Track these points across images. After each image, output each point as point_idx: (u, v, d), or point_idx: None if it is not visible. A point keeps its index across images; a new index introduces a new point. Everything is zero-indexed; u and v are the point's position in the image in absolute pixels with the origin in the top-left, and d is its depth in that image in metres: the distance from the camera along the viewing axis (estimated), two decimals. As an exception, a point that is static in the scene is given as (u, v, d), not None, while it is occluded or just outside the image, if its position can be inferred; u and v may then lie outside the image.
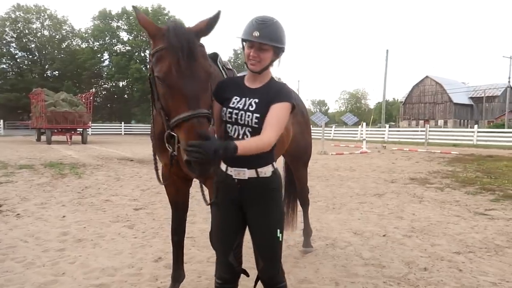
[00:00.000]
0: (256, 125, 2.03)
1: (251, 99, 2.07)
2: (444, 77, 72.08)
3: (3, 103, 44.45)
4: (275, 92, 2.08)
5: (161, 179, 2.47)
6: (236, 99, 2.10)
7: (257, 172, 2.06)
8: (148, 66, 2.16)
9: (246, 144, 1.90)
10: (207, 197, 2.35)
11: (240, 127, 2.06)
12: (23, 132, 34.30)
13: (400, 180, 9.21)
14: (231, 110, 2.08)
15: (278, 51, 2.10)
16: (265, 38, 2.00)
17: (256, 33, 2.00)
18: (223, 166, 2.13)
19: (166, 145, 2.08)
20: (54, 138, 22.70)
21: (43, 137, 23.04)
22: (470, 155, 16.10)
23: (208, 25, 2.03)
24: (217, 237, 2.22)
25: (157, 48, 1.96)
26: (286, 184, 4.31)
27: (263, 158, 2.07)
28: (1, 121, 34.44)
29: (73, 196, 6.91)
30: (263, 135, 1.96)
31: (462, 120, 67.83)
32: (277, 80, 2.25)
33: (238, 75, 2.43)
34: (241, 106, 2.07)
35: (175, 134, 1.94)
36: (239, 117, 2.05)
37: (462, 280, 3.41)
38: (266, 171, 2.08)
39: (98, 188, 7.75)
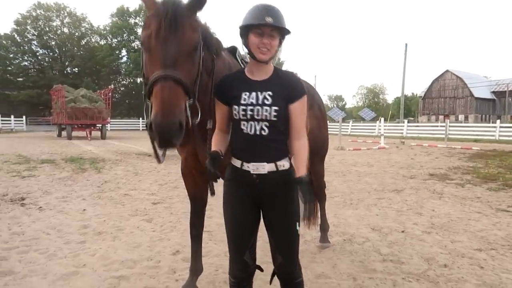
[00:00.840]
0: (275, 118, 1.99)
1: (264, 92, 2.01)
2: (465, 71, 70.33)
3: (26, 100, 45.71)
4: (289, 85, 2.05)
5: (160, 158, 2.19)
6: (245, 94, 2.02)
7: (276, 166, 2.03)
8: None
9: (303, 163, 2.03)
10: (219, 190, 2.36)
11: (256, 122, 2.00)
12: (44, 128, 35.14)
13: (419, 176, 9.05)
14: (244, 107, 2.00)
15: (282, 38, 2.06)
16: (280, 23, 1.96)
17: (269, 19, 1.93)
18: (237, 162, 2.08)
19: (145, 116, 1.99)
20: (74, 133, 23.21)
21: (64, 133, 23.57)
22: (492, 150, 15.70)
23: None
24: (233, 236, 2.16)
25: (146, 16, 1.98)
26: None
27: (280, 150, 2.06)
28: (24, 117, 35.36)
29: (93, 190, 7.05)
30: (303, 142, 2.07)
31: (483, 115, 66.09)
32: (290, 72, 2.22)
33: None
34: (254, 101, 2.00)
35: (149, 103, 1.89)
36: (255, 113, 1.98)
37: (483, 277, 3.34)
38: (284, 163, 2.06)
39: (117, 182, 7.88)
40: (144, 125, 1.91)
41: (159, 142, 1.79)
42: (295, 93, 2.04)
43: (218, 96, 2.12)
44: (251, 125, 2.01)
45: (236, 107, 2.02)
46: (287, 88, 2.03)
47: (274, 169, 2.02)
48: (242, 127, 2.03)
